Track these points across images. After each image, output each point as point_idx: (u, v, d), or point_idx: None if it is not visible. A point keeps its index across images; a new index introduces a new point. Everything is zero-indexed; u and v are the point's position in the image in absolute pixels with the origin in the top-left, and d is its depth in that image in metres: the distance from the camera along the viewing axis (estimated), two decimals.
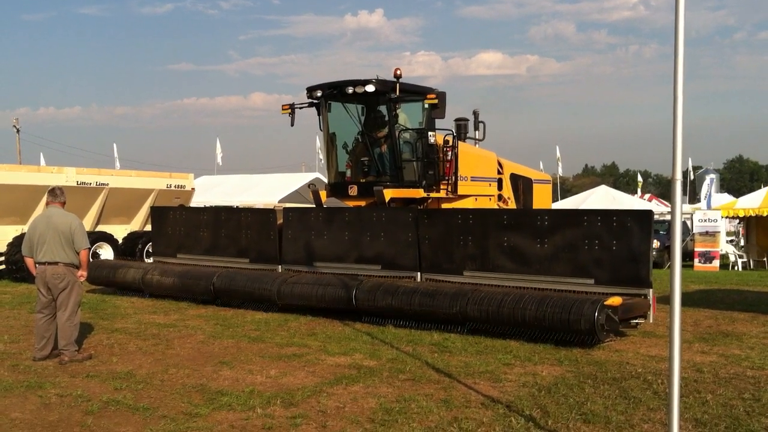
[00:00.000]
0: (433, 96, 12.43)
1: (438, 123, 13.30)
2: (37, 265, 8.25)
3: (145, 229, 19.22)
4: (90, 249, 8.45)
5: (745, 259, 24.83)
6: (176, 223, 14.29)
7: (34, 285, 8.43)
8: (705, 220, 23.96)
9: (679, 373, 4.35)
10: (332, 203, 13.62)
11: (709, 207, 25.85)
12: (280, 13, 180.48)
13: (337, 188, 13.54)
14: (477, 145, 15.08)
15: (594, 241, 9.41)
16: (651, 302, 9.06)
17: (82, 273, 8.38)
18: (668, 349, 4.41)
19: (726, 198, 32.36)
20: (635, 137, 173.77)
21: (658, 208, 31.28)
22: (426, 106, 12.86)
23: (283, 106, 13.53)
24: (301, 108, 13.56)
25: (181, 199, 19.83)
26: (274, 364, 7.88)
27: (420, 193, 12.87)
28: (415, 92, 12.91)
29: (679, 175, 4.27)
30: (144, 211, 19.42)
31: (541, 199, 16.94)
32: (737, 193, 47.84)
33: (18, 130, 48.61)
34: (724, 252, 24.98)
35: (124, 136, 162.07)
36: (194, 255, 13.80)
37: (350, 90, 12.56)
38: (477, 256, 10.47)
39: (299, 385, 6.99)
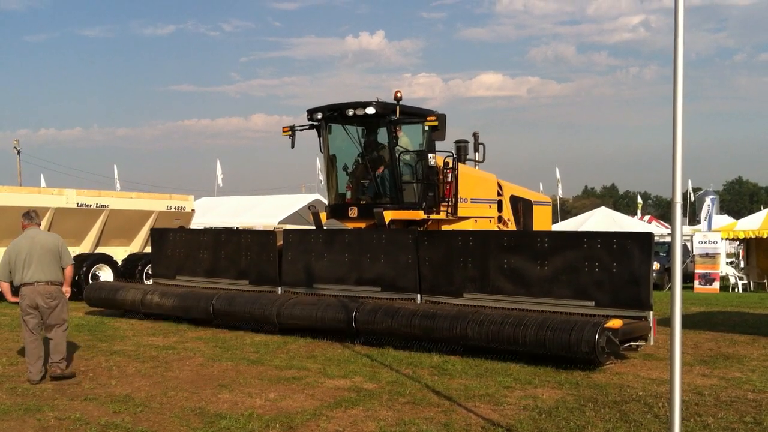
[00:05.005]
0: (434, 118, 12.52)
1: (438, 145, 13.37)
2: (23, 287, 8.21)
3: (144, 251, 19.20)
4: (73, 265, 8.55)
5: (745, 281, 24.78)
6: (176, 244, 14.29)
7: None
8: (705, 242, 23.97)
9: (680, 396, 4.32)
10: (332, 225, 13.63)
11: (709, 229, 25.85)
12: (281, 35, 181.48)
13: (337, 210, 13.56)
14: (477, 167, 15.12)
15: (594, 263, 9.40)
16: (651, 325, 9.03)
17: (66, 289, 8.44)
18: (669, 372, 4.39)
19: (726, 220, 32.37)
20: (635, 159, 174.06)
21: (658, 229, 31.27)
22: (426, 128, 12.94)
23: (283, 128, 13.60)
24: (301, 130, 13.62)
25: (181, 220, 19.84)
26: (273, 387, 7.84)
27: (420, 214, 12.87)
28: (415, 114, 12.98)
29: (679, 198, 4.27)
30: (144, 232, 19.41)
31: (541, 220, 16.93)
32: (737, 214, 47.92)
33: (19, 152, 48.78)
34: (724, 274, 24.93)
35: (125, 157, 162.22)
36: (194, 277, 13.77)
37: (351, 112, 12.64)
38: (477, 278, 10.45)
39: (298, 408, 6.95)
